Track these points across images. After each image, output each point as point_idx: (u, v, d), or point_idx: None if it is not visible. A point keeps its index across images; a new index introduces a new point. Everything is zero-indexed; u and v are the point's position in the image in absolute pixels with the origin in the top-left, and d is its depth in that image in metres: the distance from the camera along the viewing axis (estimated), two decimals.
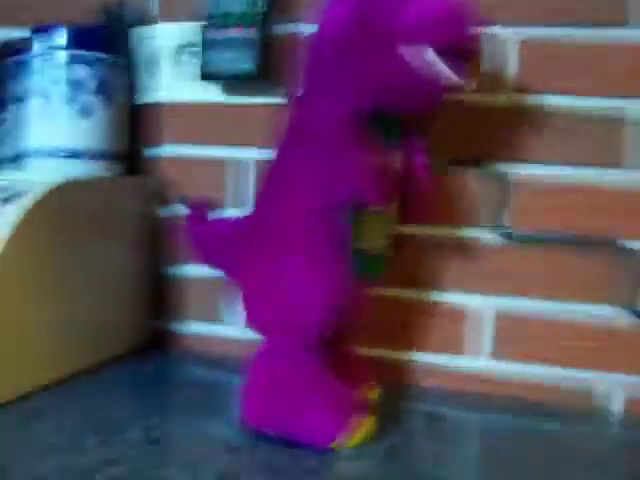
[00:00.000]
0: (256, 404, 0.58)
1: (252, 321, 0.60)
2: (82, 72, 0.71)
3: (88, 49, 0.72)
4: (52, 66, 0.71)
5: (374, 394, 0.65)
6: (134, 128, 0.81)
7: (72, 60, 0.71)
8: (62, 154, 0.71)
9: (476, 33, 0.55)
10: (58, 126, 0.71)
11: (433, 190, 0.64)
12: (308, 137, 0.56)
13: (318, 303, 0.56)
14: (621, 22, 0.68)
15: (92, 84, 0.72)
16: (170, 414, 0.62)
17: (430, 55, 0.52)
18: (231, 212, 0.77)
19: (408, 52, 0.52)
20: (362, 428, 0.57)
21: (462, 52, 0.54)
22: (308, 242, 0.56)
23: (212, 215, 0.67)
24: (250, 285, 0.60)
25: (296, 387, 0.56)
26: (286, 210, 0.57)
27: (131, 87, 0.79)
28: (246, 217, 0.63)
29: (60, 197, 0.65)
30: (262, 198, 0.61)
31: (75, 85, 0.71)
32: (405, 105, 0.56)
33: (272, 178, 0.60)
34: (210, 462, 0.52)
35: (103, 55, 0.73)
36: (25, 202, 0.62)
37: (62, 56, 0.71)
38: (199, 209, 0.66)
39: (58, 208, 0.65)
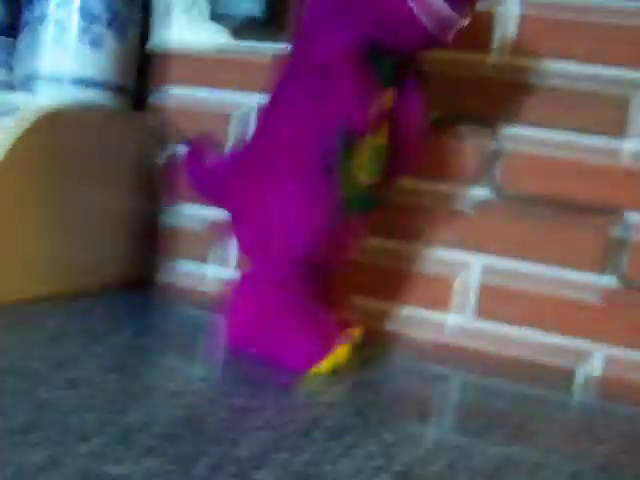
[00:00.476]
0: (239, 324, 0.59)
1: (239, 244, 0.62)
2: (96, 4, 0.73)
3: None
4: None
5: (356, 332, 0.66)
6: (143, 67, 0.83)
7: None
8: (70, 81, 0.73)
9: None
10: (68, 53, 0.73)
11: (422, 151, 0.65)
12: (305, 69, 0.58)
13: (303, 223, 0.57)
14: None
15: (105, 17, 0.73)
16: (154, 331, 0.64)
17: None
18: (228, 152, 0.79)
19: None
20: (337, 355, 0.58)
21: None
22: (296, 165, 0.57)
23: (212, 153, 0.68)
24: (237, 210, 0.61)
25: (277, 309, 0.58)
26: (277, 136, 0.59)
27: (144, 25, 0.80)
28: (240, 149, 0.65)
29: (61, 117, 0.67)
30: (257, 129, 0.63)
31: (88, 16, 0.73)
32: (402, 41, 0.57)
33: (267, 109, 0.62)
34: (191, 369, 0.53)
35: None
36: (25, 119, 0.64)
37: None
38: (199, 146, 0.68)
39: (57, 129, 0.67)
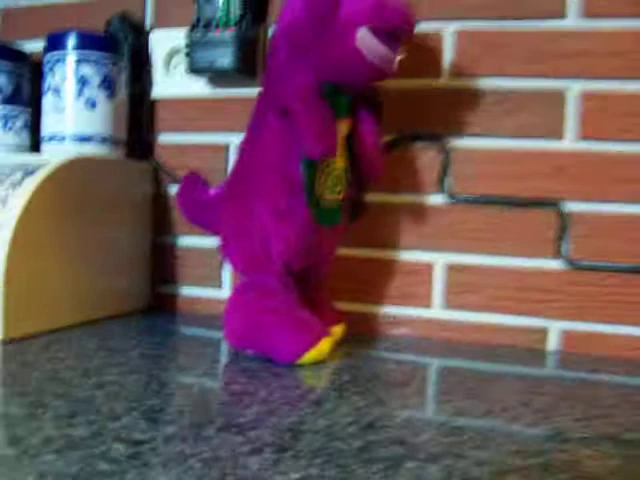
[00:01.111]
0: (235, 327, 0.70)
1: (231, 263, 0.73)
2: (87, 70, 0.84)
3: (92, 51, 0.85)
4: (62, 66, 0.84)
5: (338, 329, 0.76)
6: (136, 117, 0.94)
7: (79, 60, 0.84)
8: (72, 139, 0.84)
9: (406, 18, 0.68)
10: (68, 116, 0.84)
11: (382, 164, 0.76)
12: (272, 108, 0.69)
13: (280, 244, 0.68)
14: (549, 15, 0.81)
15: (96, 80, 0.85)
16: (166, 344, 0.74)
17: (367, 36, 0.65)
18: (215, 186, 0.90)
19: (350, 35, 0.65)
20: (321, 348, 0.68)
21: (394, 33, 0.67)
22: (272, 193, 0.69)
23: (200, 187, 0.79)
24: (226, 234, 0.73)
25: (265, 312, 0.68)
26: (253, 168, 0.70)
27: (131, 83, 0.92)
28: (224, 182, 0.76)
29: (71, 170, 0.78)
30: (236, 162, 0.74)
31: (81, 81, 0.84)
32: (347, 78, 0.68)
33: (244, 147, 0.73)
34: (197, 368, 0.64)
35: (105, 56, 0.85)
36: (41, 174, 0.75)
37: (71, 57, 0.84)
38: (188, 182, 0.79)
39: (69, 180, 0.78)
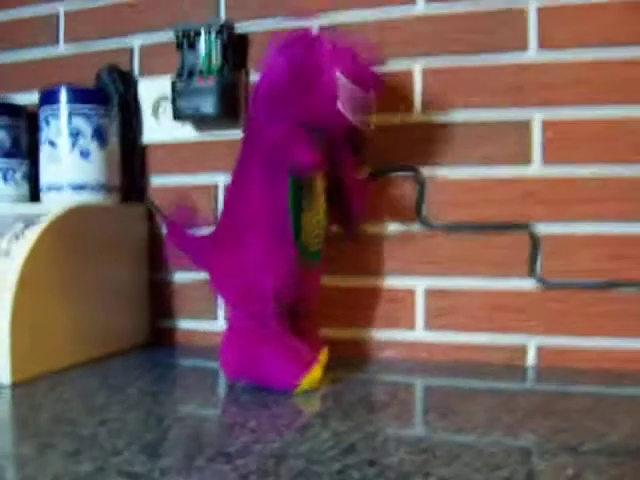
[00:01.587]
0: (230, 359, 0.75)
1: (223, 300, 0.78)
2: (80, 122, 0.90)
3: (84, 105, 0.90)
4: (57, 120, 0.90)
5: (323, 355, 0.81)
6: (128, 163, 1.00)
7: (72, 113, 0.90)
8: (69, 188, 0.90)
9: (375, 85, 0.73)
10: (64, 167, 0.90)
11: (363, 199, 0.82)
12: (257, 153, 0.74)
13: (270, 280, 0.73)
14: (510, 48, 0.87)
15: (89, 131, 0.90)
16: (164, 379, 0.79)
17: (344, 89, 0.71)
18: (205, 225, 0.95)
19: (328, 87, 0.71)
20: (313, 375, 0.73)
21: (367, 85, 0.72)
22: (259, 235, 0.74)
23: (189, 226, 0.85)
24: (218, 273, 0.78)
25: (259, 342, 0.73)
26: (242, 212, 0.75)
27: (123, 130, 0.97)
28: (213, 221, 0.81)
29: (69, 218, 0.84)
30: (224, 207, 0.79)
31: (75, 133, 0.90)
32: (329, 125, 0.74)
33: (231, 191, 0.78)
34: (193, 401, 0.69)
35: (96, 108, 0.91)
36: (42, 224, 0.80)
37: (64, 111, 0.90)
38: (177, 222, 0.84)
39: (68, 228, 0.84)
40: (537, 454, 0.53)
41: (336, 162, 0.79)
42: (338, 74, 0.70)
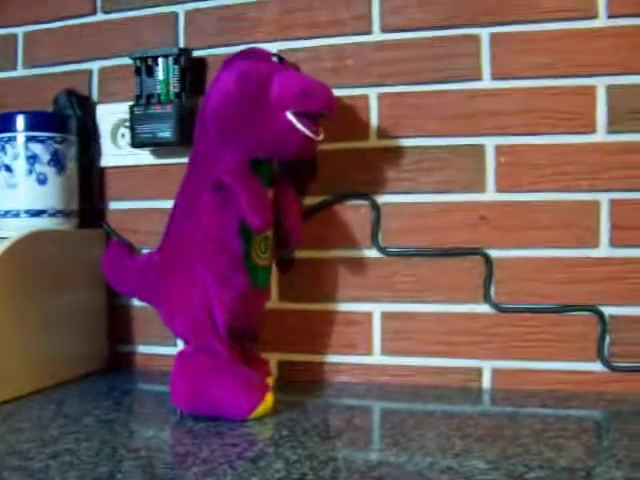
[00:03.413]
0: (182, 393, 0.74)
1: (173, 330, 0.78)
2: (36, 147, 0.90)
3: (41, 130, 0.90)
4: (13, 146, 0.90)
5: (271, 381, 0.82)
6: (85, 187, 1.00)
7: (29, 139, 0.90)
8: (26, 214, 0.89)
9: (327, 104, 0.74)
10: (21, 192, 0.90)
11: (302, 231, 0.83)
12: (206, 184, 0.75)
13: (221, 311, 0.74)
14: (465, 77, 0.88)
15: (45, 157, 0.90)
16: (120, 406, 0.79)
17: (290, 117, 0.71)
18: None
19: (279, 117, 0.72)
20: (267, 402, 0.74)
21: (314, 114, 0.73)
22: (214, 262, 0.74)
23: (125, 253, 0.85)
24: (165, 305, 0.78)
25: (210, 373, 0.73)
26: (191, 238, 0.75)
27: (79, 156, 0.97)
28: (154, 252, 0.81)
29: (26, 245, 0.84)
30: (168, 233, 0.79)
31: (32, 159, 0.90)
32: (275, 154, 0.75)
33: (175, 216, 0.78)
34: (147, 431, 0.69)
35: (53, 134, 0.91)
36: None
37: (21, 136, 0.90)
38: (115, 248, 0.84)
39: (25, 254, 0.83)
40: None
41: (276, 191, 0.79)
42: (290, 102, 0.71)
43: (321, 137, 0.75)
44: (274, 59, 0.76)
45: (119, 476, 0.56)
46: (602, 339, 0.84)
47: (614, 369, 0.84)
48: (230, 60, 0.77)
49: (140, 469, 0.57)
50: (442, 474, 0.56)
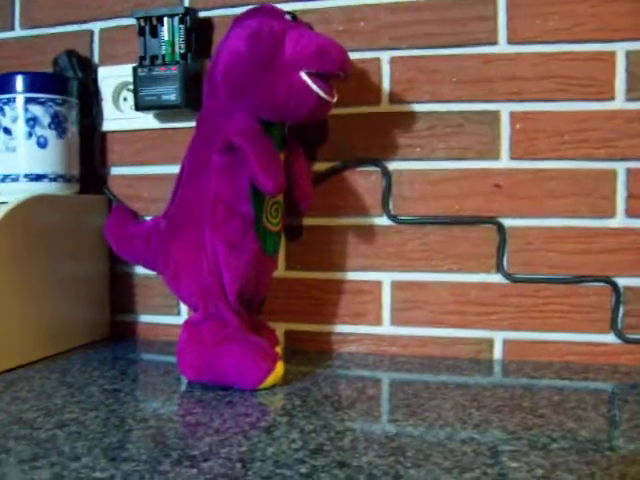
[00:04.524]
0: (191, 361, 0.72)
1: (181, 297, 0.75)
2: (37, 110, 0.87)
3: (41, 92, 0.87)
4: (12, 107, 0.87)
5: (279, 349, 0.80)
6: (87, 151, 0.97)
7: (29, 100, 0.86)
8: (25, 179, 0.87)
9: (342, 65, 0.71)
10: (20, 156, 0.87)
11: (313, 194, 0.81)
12: (216, 146, 0.72)
13: (233, 274, 0.71)
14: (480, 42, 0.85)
15: (46, 120, 0.87)
16: (125, 376, 0.77)
17: (305, 78, 0.69)
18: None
19: (292, 77, 0.69)
20: (277, 371, 0.72)
21: (329, 75, 0.71)
22: (224, 227, 0.71)
23: (129, 219, 0.82)
24: (172, 272, 0.75)
25: (220, 342, 0.71)
26: (200, 203, 0.73)
27: (82, 117, 0.94)
28: (160, 217, 0.79)
29: (26, 210, 0.81)
30: (175, 198, 0.77)
31: (31, 121, 0.87)
32: (287, 116, 0.72)
33: (182, 181, 0.76)
34: (155, 400, 0.67)
35: (54, 96, 0.88)
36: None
37: (20, 98, 0.87)
38: (118, 214, 0.82)
39: (25, 219, 0.81)
40: (506, 454, 0.52)
41: (286, 154, 0.77)
42: (304, 61, 0.68)
43: (335, 99, 0.72)
44: (287, 17, 0.72)
45: (129, 446, 0.54)
46: (616, 310, 0.82)
47: (628, 341, 0.82)
48: (241, 17, 0.74)
49: (151, 440, 0.55)
50: (464, 444, 0.54)
